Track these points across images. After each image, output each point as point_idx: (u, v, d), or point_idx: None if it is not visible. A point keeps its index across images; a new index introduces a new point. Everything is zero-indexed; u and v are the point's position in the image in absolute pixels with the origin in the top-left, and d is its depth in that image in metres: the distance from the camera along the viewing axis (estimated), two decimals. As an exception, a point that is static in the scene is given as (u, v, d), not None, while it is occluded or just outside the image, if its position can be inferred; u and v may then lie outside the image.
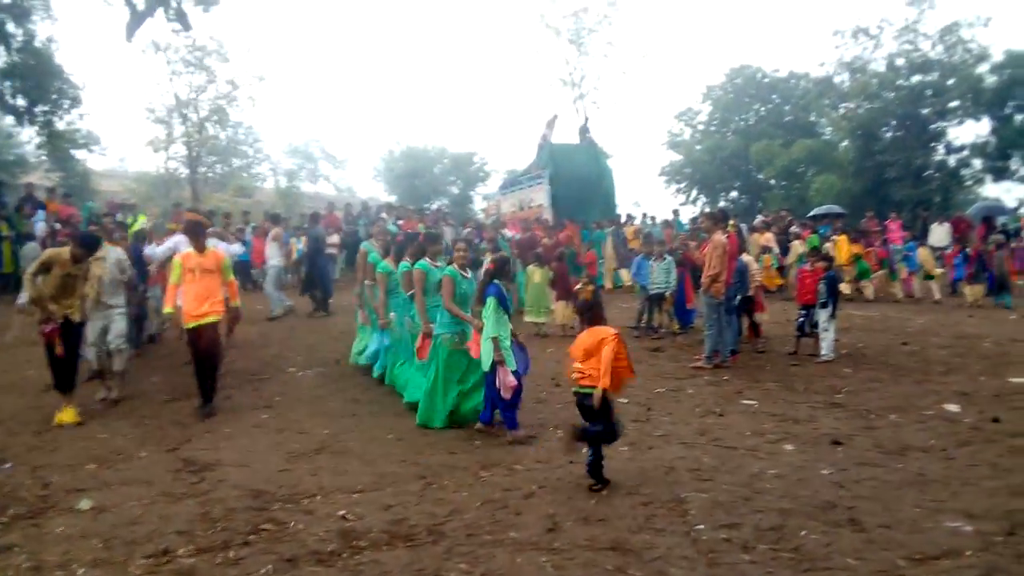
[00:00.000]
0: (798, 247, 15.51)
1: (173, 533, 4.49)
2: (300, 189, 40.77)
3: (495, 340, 6.35)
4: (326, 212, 20.51)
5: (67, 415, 7.04)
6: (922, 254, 15.82)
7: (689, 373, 8.94)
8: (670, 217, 20.22)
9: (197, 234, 7.46)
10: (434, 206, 33.70)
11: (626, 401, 7.66)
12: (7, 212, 15.16)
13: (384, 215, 19.86)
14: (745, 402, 7.52)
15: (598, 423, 5.15)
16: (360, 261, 8.92)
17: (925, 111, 29.32)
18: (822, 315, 9.58)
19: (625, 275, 16.93)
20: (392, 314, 8.08)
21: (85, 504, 4.99)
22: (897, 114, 29.45)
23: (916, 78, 29.43)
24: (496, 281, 6.59)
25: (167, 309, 7.35)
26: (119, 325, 7.90)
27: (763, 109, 39.66)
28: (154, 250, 9.89)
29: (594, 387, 5.06)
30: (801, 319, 10.03)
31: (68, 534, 4.52)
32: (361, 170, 65.80)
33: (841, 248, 14.98)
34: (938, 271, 15.88)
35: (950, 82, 28.79)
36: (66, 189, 20.72)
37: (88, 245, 7.35)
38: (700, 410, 7.36)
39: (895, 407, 7.28)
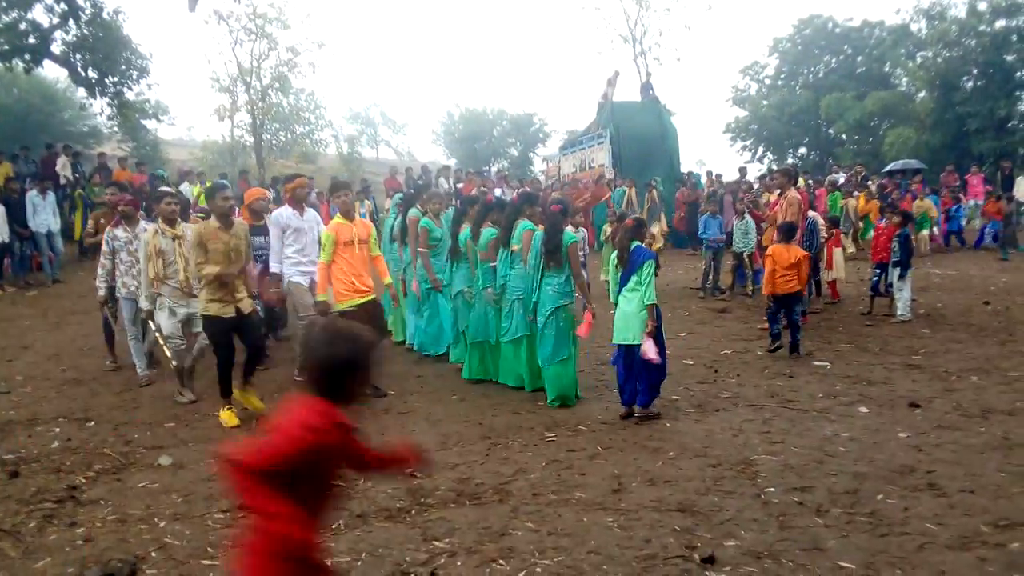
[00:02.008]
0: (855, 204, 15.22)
1: (247, 489, 4.61)
2: (361, 155, 41.18)
3: (653, 308, 5.68)
4: (387, 176, 20.70)
5: (229, 417, 6.04)
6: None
7: (757, 334, 8.72)
8: (736, 176, 19.67)
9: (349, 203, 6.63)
10: (494, 168, 33.66)
11: (691, 363, 7.54)
12: (83, 181, 15.75)
13: (443, 179, 19.89)
14: (817, 363, 7.31)
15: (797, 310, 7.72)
16: (411, 229, 7.95)
17: (1010, 58, 27.63)
18: (895, 274, 9.23)
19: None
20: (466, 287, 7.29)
21: (165, 460, 5.18)
22: (979, 62, 27.81)
23: (1000, 23, 27.71)
24: (639, 243, 5.91)
25: (321, 296, 6.30)
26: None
27: (834, 61, 38.07)
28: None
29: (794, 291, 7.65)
30: (875, 278, 9.70)
31: (150, 489, 4.70)
32: (421, 134, 66.03)
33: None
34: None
35: (1038, 27, 27.08)
36: (137, 159, 21.38)
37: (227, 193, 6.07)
38: (769, 372, 7.19)
39: (977, 369, 6.98)
